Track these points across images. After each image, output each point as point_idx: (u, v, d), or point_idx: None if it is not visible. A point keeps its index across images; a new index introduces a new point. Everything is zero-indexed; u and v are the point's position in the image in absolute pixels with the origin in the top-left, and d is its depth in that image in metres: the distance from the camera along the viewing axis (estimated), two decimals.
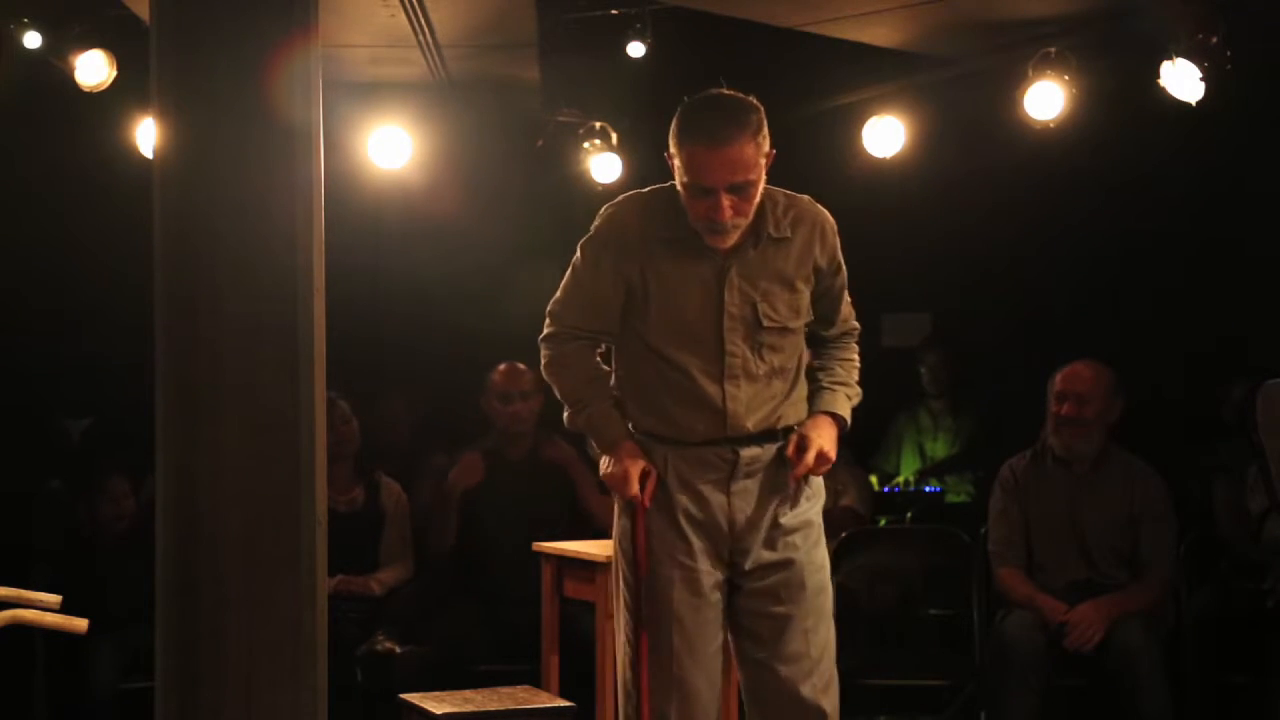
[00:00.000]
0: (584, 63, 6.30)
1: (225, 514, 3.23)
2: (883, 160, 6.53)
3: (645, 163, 6.74)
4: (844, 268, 3.83)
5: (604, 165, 6.77)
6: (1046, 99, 5.87)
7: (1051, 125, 5.90)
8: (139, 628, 5.55)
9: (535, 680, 4.98)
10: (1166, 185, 6.74)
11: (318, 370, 3.30)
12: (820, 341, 3.92)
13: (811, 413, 3.80)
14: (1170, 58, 5.58)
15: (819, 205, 3.80)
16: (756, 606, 3.74)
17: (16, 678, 5.65)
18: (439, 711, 4.37)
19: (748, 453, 3.72)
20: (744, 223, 3.63)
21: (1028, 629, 5.24)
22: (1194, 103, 5.60)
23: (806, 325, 3.82)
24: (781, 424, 3.75)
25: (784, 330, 3.72)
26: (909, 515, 6.95)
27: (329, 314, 3.36)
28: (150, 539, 3.29)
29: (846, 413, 3.83)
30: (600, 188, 6.81)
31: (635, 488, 3.71)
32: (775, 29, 5.84)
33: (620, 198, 3.81)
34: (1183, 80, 5.58)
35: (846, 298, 3.90)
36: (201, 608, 3.23)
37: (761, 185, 3.63)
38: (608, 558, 4.66)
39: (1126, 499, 5.39)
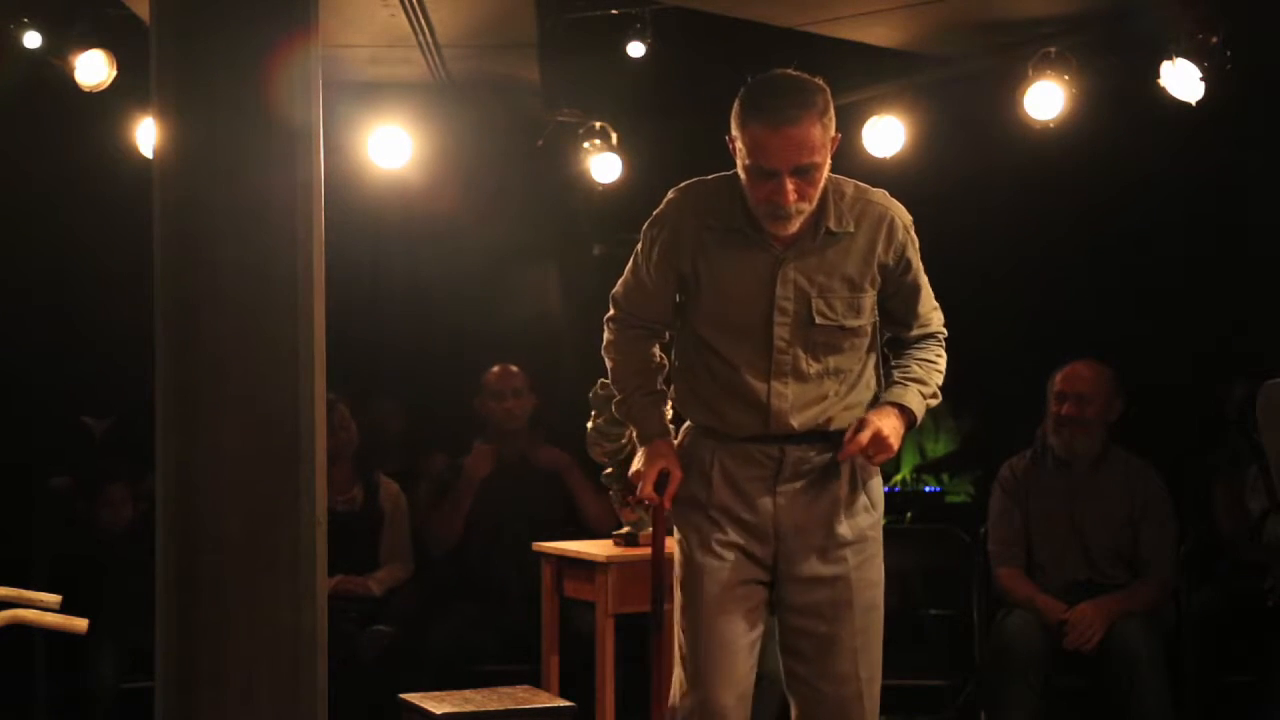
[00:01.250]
0: (584, 63, 6.30)
1: (225, 514, 3.23)
2: (883, 160, 6.52)
3: (645, 163, 6.76)
4: (916, 266, 3.66)
5: (604, 165, 6.76)
6: (1046, 99, 5.86)
7: (1051, 125, 5.89)
8: (139, 628, 5.56)
9: (535, 680, 4.97)
10: (1166, 185, 6.73)
11: (318, 370, 3.31)
12: (900, 344, 3.74)
13: (879, 404, 3.63)
14: (1170, 58, 5.58)
15: (893, 200, 3.65)
16: (802, 624, 3.60)
17: (16, 678, 5.64)
18: (439, 711, 4.37)
19: (795, 452, 3.59)
20: (808, 208, 3.48)
21: (1028, 629, 5.24)
22: (1194, 103, 5.60)
23: (885, 328, 3.68)
24: (833, 426, 3.59)
25: (840, 329, 3.57)
26: (909, 515, 6.95)
27: (328, 314, 3.36)
28: (150, 538, 3.29)
29: (917, 408, 3.63)
30: (600, 188, 6.81)
31: (649, 488, 3.62)
32: (775, 29, 5.84)
33: (684, 183, 3.67)
34: (1183, 80, 5.58)
35: (927, 299, 3.72)
36: (201, 608, 3.23)
37: (827, 169, 3.50)
38: (608, 558, 4.67)
39: (1126, 499, 5.39)
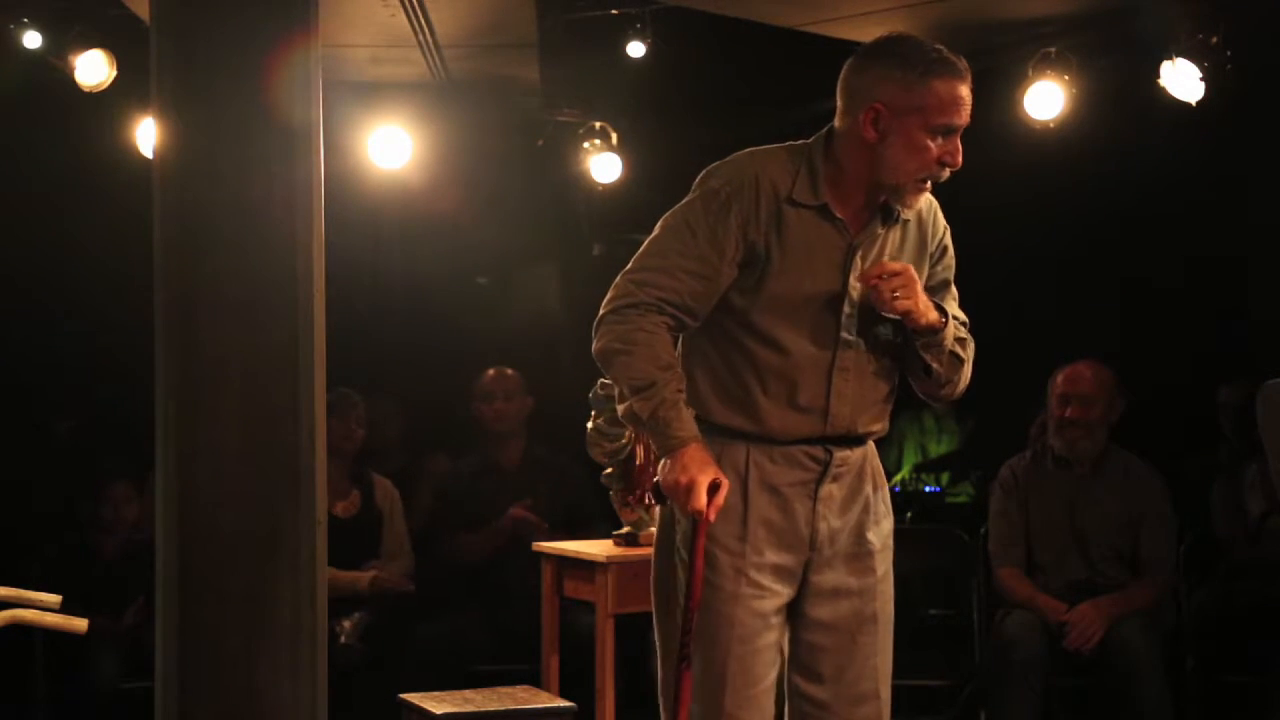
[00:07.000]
0: (584, 63, 6.30)
1: (225, 514, 3.23)
2: None
3: (645, 163, 6.76)
4: (951, 254, 3.41)
5: (604, 165, 6.76)
6: (1046, 99, 5.87)
7: (1051, 125, 5.90)
8: (139, 628, 5.57)
9: (535, 680, 4.97)
10: (1166, 185, 6.74)
11: (318, 370, 3.31)
12: None
13: None
14: (1170, 58, 5.58)
15: None
16: (823, 640, 3.30)
17: (16, 678, 5.65)
18: (439, 711, 4.37)
19: (840, 454, 3.29)
20: None
21: (1028, 629, 5.24)
22: (1194, 103, 5.61)
23: None
24: (875, 434, 3.36)
25: (899, 324, 3.27)
26: (909, 515, 6.95)
27: (328, 314, 3.36)
28: (151, 538, 3.29)
29: (950, 324, 3.31)
30: (600, 188, 6.81)
31: (702, 500, 3.14)
32: (775, 29, 5.84)
33: (738, 154, 3.29)
34: (1183, 80, 5.58)
35: (953, 292, 3.44)
36: (201, 608, 3.23)
37: None
38: (608, 558, 4.66)
39: (1126, 499, 5.39)
